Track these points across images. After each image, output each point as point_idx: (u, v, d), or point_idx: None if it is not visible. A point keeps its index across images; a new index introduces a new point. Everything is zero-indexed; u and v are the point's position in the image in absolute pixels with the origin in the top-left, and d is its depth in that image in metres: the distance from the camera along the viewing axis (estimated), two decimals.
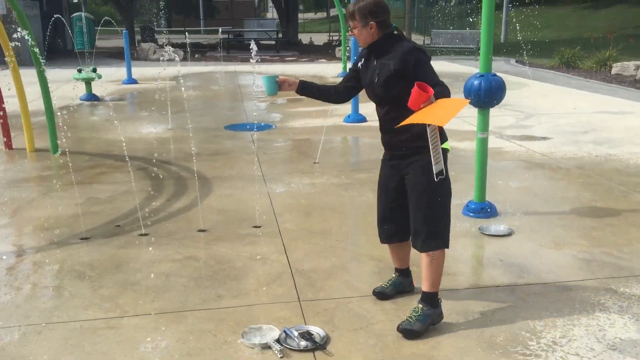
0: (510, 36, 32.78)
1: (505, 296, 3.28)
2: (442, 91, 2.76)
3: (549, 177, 5.62)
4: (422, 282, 2.98)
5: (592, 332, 2.90)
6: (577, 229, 4.27)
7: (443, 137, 2.93)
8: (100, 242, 4.17)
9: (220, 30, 17.01)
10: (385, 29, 2.91)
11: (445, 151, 2.93)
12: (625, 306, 3.14)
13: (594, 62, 14.06)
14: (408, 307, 3.12)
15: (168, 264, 3.77)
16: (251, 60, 4.75)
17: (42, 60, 6.42)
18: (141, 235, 4.29)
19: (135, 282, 3.51)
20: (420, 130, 2.85)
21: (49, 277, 3.61)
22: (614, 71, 13.19)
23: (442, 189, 2.92)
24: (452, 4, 32.27)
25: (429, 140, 2.72)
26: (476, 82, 4.31)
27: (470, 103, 4.38)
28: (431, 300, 2.96)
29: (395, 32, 2.95)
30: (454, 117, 2.60)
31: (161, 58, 19.81)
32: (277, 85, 3.19)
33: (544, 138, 7.26)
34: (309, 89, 3.23)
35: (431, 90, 2.64)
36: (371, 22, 2.86)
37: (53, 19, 15.18)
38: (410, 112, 2.73)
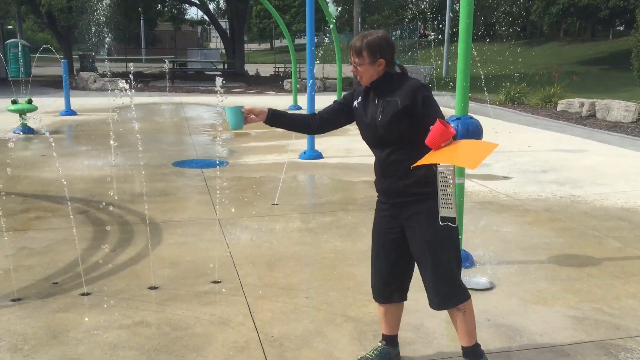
0: (451, 71, 33.59)
1: None
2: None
3: (519, 221, 5.42)
4: (460, 339, 2.74)
5: None
6: (560, 280, 4.03)
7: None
8: (35, 304, 3.62)
9: (167, 62, 16.48)
10: (391, 67, 2.63)
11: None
12: None
13: (539, 98, 14.34)
14: None
15: (115, 332, 3.27)
16: (218, 96, 4.37)
17: None
18: (82, 294, 3.77)
19: (76, 358, 3.00)
20: (426, 174, 2.56)
21: None
22: (559, 108, 13.45)
23: (453, 238, 2.64)
24: (392, 38, 32.83)
25: (438, 182, 2.45)
26: (452, 125, 4.05)
27: None
28: (474, 353, 2.73)
29: (399, 69, 2.67)
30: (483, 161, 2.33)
31: (110, 88, 19.07)
32: (243, 116, 2.79)
33: (505, 177, 7.13)
34: (280, 119, 2.84)
35: (453, 129, 2.38)
36: (380, 60, 2.60)
37: None
38: (419, 153, 2.47)
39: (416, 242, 2.64)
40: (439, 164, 2.42)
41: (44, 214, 5.58)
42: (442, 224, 2.52)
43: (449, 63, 33.63)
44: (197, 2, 27.65)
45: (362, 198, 6.23)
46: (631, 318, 3.47)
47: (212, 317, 3.46)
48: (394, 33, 35.56)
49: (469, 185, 6.70)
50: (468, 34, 3.97)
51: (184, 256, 4.49)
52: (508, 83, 15.66)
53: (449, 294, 2.64)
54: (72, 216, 5.45)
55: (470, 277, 4.02)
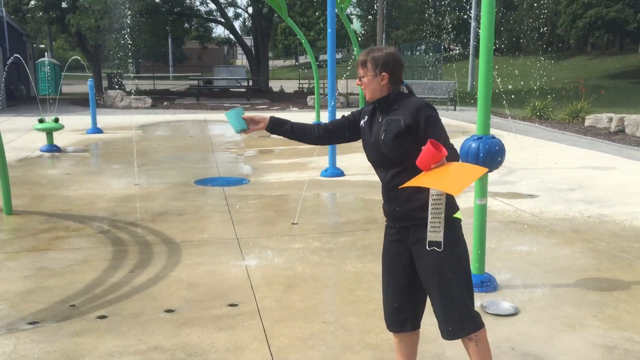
0: (477, 86, 33.27)
1: None
2: (453, 155, 2.45)
3: (545, 242, 5.27)
4: None
5: None
6: (588, 305, 3.88)
7: (454, 207, 2.56)
8: (51, 328, 3.60)
9: (197, 82, 16.62)
10: (395, 84, 2.58)
11: (457, 221, 2.56)
12: None
13: (566, 113, 14.09)
14: None
15: (129, 358, 3.23)
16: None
17: (5, 108, 5.90)
18: (99, 317, 3.75)
19: None
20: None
21: None
22: (587, 123, 13.19)
23: (462, 264, 2.53)
24: (416, 55, 32.70)
25: (430, 206, 2.40)
26: (474, 145, 3.97)
27: None
28: None
29: (405, 89, 2.61)
30: (467, 187, 2.27)
31: (136, 106, 19.35)
32: (244, 120, 2.75)
33: (531, 196, 6.97)
34: (282, 127, 2.80)
35: (445, 151, 2.31)
36: (383, 73, 2.55)
37: (11, 60, 14.63)
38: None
39: (423, 268, 2.54)
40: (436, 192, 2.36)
41: (66, 233, 5.60)
42: (428, 248, 2.44)
43: (474, 78, 33.47)
44: (223, 20, 27.98)
45: (383, 218, 6.12)
46: None
47: (228, 343, 3.40)
48: (418, 48, 35.49)
49: (494, 204, 6.56)
50: (489, 54, 3.89)
51: (201, 277, 4.45)
52: (533, 98, 15.44)
53: (460, 323, 2.53)
54: (92, 236, 5.48)
55: (493, 302, 3.90)
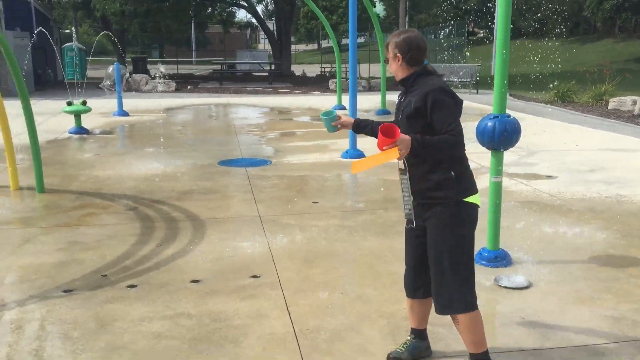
0: None
1: None
2: (437, 141, 2.57)
3: (561, 221, 5.35)
4: (466, 346, 2.79)
5: None
6: (600, 280, 3.98)
7: (472, 189, 2.69)
8: (85, 295, 3.82)
9: (219, 66, 16.81)
10: (414, 65, 2.72)
11: (469, 205, 2.69)
12: None
13: (590, 96, 13.98)
14: None
15: (159, 323, 3.43)
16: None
17: (33, 91, 6.14)
18: (129, 287, 3.96)
19: (122, 346, 3.17)
20: (441, 179, 2.65)
21: (27, 338, 3.26)
22: (611, 106, 13.09)
23: (461, 246, 2.67)
24: (440, 38, 32.50)
25: (401, 186, 2.72)
26: (490, 124, 4.06)
27: (482, 145, 4.14)
28: None
29: (428, 69, 2.75)
30: (368, 167, 2.73)
31: (160, 90, 19.65)
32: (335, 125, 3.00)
33: (550, 177, 7.03)
34: (364, 128, 3.02)
35: (397, 136, 2.50)
36: (398, 55, 2.73)
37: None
38: (431, 159, 2.66)
39: (428, 243, 2.74)
40: (400, 173, 2.68)
41: (96, 210, 5.84)
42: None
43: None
44: (245, 4, 28.08)
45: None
46: None
47: (250, 311, 3.59)
48: (442, 32, 35.18)
49: (512, 184, 6.64)
50: (506, 36, 3.96)
51: (225, 252, 4.64)
52: (557, 81, 15.32)
53: (449, 302, 2.68)
54: (121, 213, 5.70)
55: (506, 276, 4.02)
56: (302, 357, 3.05)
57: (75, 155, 8.76)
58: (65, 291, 3.89)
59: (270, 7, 38.07)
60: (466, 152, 2.74)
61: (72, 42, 26.02)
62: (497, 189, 4.21)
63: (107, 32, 18.24)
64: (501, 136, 4.02)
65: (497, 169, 4.19)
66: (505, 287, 3.88)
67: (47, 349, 3.14)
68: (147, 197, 6.30)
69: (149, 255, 4.57)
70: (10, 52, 6.03)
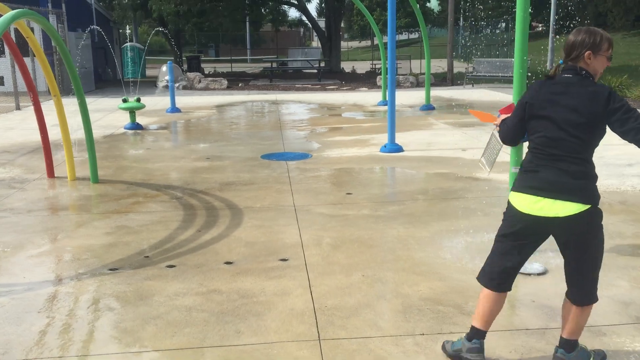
0: (556, 64, 32.24)
1: (535, 341, 3.14)
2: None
3: None
4: (568, 331, 2.87)
5: None
6: (617, 268, 4.07)
7: (518, 187, 2.86)
8: (128, 273, 4.21)
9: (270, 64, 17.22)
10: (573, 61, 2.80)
11: (510, 204, 2.90)
12: None
13: None
14: (432, 351, 3.01)
15: (192, 298, 3.76)
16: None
17: (93, 89, 6.62)
18: (168, 267, 4.32)
19: (157, 316, 3.51)
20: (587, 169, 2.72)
21: (74, 308, 3.65)
22: None
23: (603, 237, 2.84)
24: (496, 31, 32.07)
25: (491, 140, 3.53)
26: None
27: None
28: (572, 346, 2.86)
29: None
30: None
31: (213, 87, 20.27)
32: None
33: None
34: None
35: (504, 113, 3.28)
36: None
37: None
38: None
39: (573, 236, 2.80)
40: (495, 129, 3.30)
41: (144, 199, 6.27)
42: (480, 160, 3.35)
43: (554, 55, 32.44)
44: (296, 2, 28.48)
45: (433, 189, 6.43)
46: None
47: (275, 289, 3.87)
48: (498, 26, 34.63)
49: None
50: (525, 23, 4.10)
51: (259, 237, 4.95)
52: (609, 76, 14.99)
53: (593, 289, 2.78)
54: (166, 202, 6.11)
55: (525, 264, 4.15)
56: (318, 330, 3.31)
57: (129, 149, 9.30)
58: (111, 269, 4.29)
59: (322, 4, 38.41)
60: None
61: (131, 42, 27.08)
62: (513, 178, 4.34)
63: (160, 29, 18.96)
64: None
65: (517, 160, 4.32)
66: (521, 273, 4.02)
67: (92, 318, 3.52)
68: (192, 187, 6.69)
69: (188, 239, 4.93)
70: (68, 54, 6.53)
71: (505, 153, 4.32)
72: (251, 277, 4.08)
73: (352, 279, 4.01)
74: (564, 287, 3.76)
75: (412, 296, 3.72)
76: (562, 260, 4.23)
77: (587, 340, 3.11)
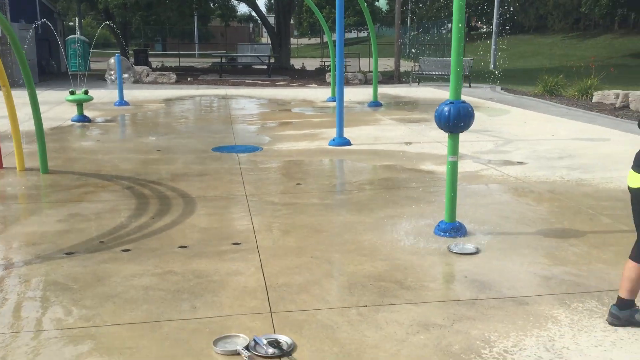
0: (499, 64, 33.46)
1: (465, 310, 3.47)
2: None
3: (520, 200, 5.84)
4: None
5: (542, 342, 3.09)
6: (542, 248, 4.48)
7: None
8: (84, 257, 4.33)
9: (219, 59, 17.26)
10: None
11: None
12: (576, 319, 3.34)
13: (576, 90, 14.43)
14: (373, 320, 3.31)
15: (148, 278, 3.94)
16: None
17: (37, 82, 6.63)
18: (124, 250, 4.46)
19: (115, 295, 3.68)
20: None
21: (32, 288, 3.77)
22: (595, 99, 13.54)
23: None
24: (443, 32, 32.92)
25: None
26: (446, 109, 4.55)
27: (440, 128, 4.63)
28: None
29: None
30: None
31: (161, 81, 20.13)
32: None
33: (521, 163, 7.51)
34: None
35: None
36: None
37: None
38: None
39: None
40: None
41: (95, 189, 6.34)
42: None
43: (497, 56, 33.58)
44: None
45: (379, 180, 6.76)
46: (595, 279, 3.90)
47: (229, 269, 4.09)
48: (444, 27, 35.48)
49: (484, 169, 7.13)
50: (460, 25, 4.44)
51: (212, 224, 5.14)
52: (547, 76, 15.77)
53: None
54: (119, 191, 6.21)
55: (459, 244, 4.51)
56: (269, 304, 3.55)
57: (78, 141, 9.27)
58: (66, 254, 4.40)
59: (272, 0, 38.49)
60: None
61: (75, 34, 26.51)
62: (453, 167, 4.70)
63: (107, 23, 18.73)
64: (455, 120, 4.51)
65: (454, 149, 4.68)
66: (456, 253, 4.38)
67: (51, 296, 3.65)
68: (143, 178, 6.80)
69: (142, 226, 5.08)
70: (18, 43, 6.53)
71: (444, 145, 4.65)
72: (205, 260, 4.28)
73: (302, 260, 4.26)
74: (494, 265, 4.14)
75: (357, 274, 4.01)
76: (495, 241, 4.62)
77: (512, 309, 3.47)
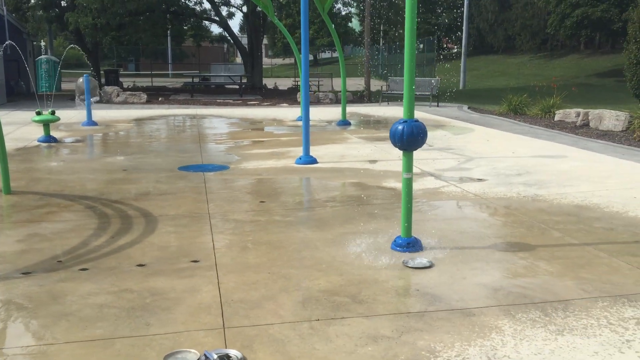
0: (468, 84, 34.10)
1: (414, 322, 3.56)
2: None
3: (477, 216, 6.00)
4: None
5: (484, 351, 3.19)
6: (494, 262, 4.61)
7: None
8: (41, 276, 4.33)
9: (193, 77, 17.34)
10: None
11: None
12: (519, 329, 3.45)
13: (539, 109, 14.81)
14: (324, 333, 3.38)
15: (103, 296, 3.96)
16: None
17: (4, 102, 6.61)
18: (81, 269, 4.48)
19: (70, 313, 3.69)
20: None
21: None
22: (557, 117, 13.91)
23: None
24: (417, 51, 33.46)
25: None
26: (400, 127, 4.68)
27: (394, 146, 4.76)
28: None
29: None
30: None
31: (131, 102, 20.08)
32: None
33: (480, 180, 7.69)
34: None
35: None
36: None
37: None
38: None
39: None
40: None
41: (58, 209, 6.33)
42: None
43: (466, 76, 34.24)
44: (218, 19, 28.69)
45: (342, 197, 6.87)
46: (540, 290, 4.04)
47: (185, 287, 4.13)
48: (417, 47, 36.05)
49: (443, 185, 7.29)
50: (412, 45, 4.59)
51: (172, 242, 5.18)
52: (511, 95, 16.16)
53: None
54: (81, 211, 6.21)
55: (414, 259, 4.62)
56: (223, 320, 3.60)
57: (43, 162, 9.22)
58: (23, 273, 4.40)
59: (241, 22, 38.80)
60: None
61: (46, 54, 26.34)
62: (408, 183, 4.82)
63: (74, 45, 18.72)
64: (409, 138, 4.65)
65: (408, 166, 4.81)
66: (411, 267, 4.49)
67: (5, 315, 3.65)
68: (107, 197, 6.80)
69: (101, 245, 5.09)
70: None
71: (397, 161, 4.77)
72: (163, 277, 4.32)
73: (259, 277, 4.33)
74: (446, 279, 4.25)
75: (312, 289, 4.08)
76: (450, 255, 4.75)
77: (459, 320, 3.57)
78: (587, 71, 37.07)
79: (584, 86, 28.48)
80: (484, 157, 9.29)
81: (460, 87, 32.77)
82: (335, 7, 53.29)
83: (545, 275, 4.30)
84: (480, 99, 21.81)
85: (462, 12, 34.17)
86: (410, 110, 4.74)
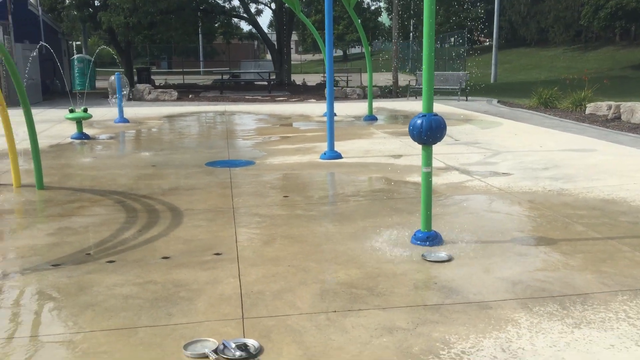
0: (500, 77, 33.68)
1: (430, 314, 3.60)
2: None
3: (499, 209, 5.97)
4: None
5: (499, 343, 3.21)
6: (514, 255, 4.60)
7: None
8: (70, 268, 4.49)
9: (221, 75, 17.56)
10: None
11: None
12: (535, 322, 3.46)
13: (570, 102, 14.57)
14: (340, 324, 3.44)
15: (128, 287, 4.09)
16: None
17: (40, 101, 6.84)
18: (108, 262, 4.62)
19: (95, 303, 3.83)
20: None
21: (17, 298, 3.93)
22: (587, 111, 13.67)
23: None
24: (445, 46, 33.18)
25: None
26: (419, 121, 4.71)
27: (413, 140, 4.79)
28: None
29: None
30: None
31: (162, 99, 20.42)
32: None
33: (506, 174, 7.64)
34: None
35: None
36: None
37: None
38: None
39: None
40: None
41: (88, 203, 6.52)
42: None
43: (497, 69, 33.83)
44: (247, 16, 28.91)
45: (365, 191, 6.91)
46: (560, 283, 4.02)
47: (208, 278, 4.24)
48: (448, 40, 35.78)
49: (468, 179, 7.26)
50: (431, 39, 4.60)
51: (196, 235, 5.30)
52: (542, 88, 15.93)
53: None
54: (110, 205, 6.38)
55: (434, 253, 4.65)
56: (242, 311, 3.69)
57: (75, 158, 9.48)
58: (53, 265, 4.56)
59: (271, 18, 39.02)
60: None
61: (80, 53, 26.94)
62: (427, 177, 4.84)
63: (105, 46, 19.14)
64: (428, 131, 4.66)
65: (427, 160, 4.83)
66: (430, 261, 4.51)
67: (36, 305, 3.81)
68: (135, 192, 6.97)
69: (129, 238, 5.24)
70: (12, 63, 6.75)
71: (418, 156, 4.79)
72: (186, 270, 4.43)
73: (279, 269, 4.41)
74: (465, 272, 4.27)
75: (331, 282, 4.15)
76: (469, 249, 4.75)
77: (475, 312, 3.59)
78: (622, 63, 36.20)
79: (618, 79, 27.86)
80: (511, 151, 9.21)
81: (492, 80, 32.38)
82: (364, 1, 53.14)
83: (565, 269, 4.28)
84: (511, 92, 21.53)
85: (494, 6, 33.74)
86: (429, 104, 4.75)
